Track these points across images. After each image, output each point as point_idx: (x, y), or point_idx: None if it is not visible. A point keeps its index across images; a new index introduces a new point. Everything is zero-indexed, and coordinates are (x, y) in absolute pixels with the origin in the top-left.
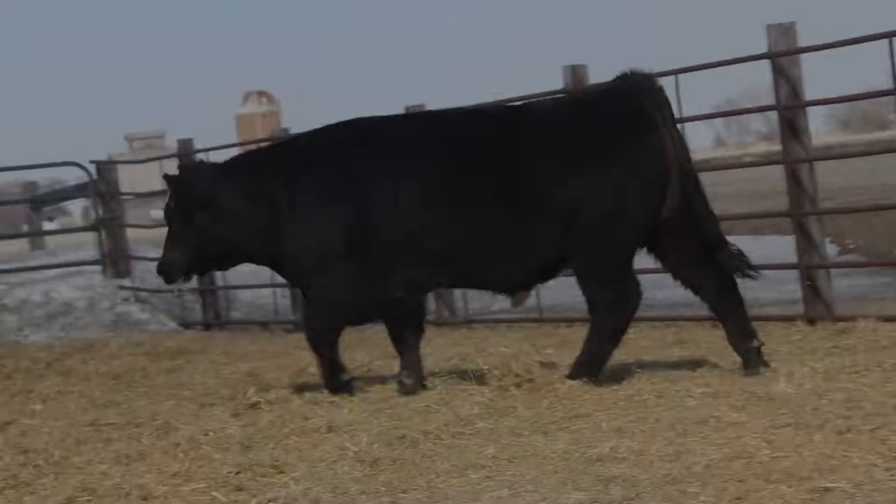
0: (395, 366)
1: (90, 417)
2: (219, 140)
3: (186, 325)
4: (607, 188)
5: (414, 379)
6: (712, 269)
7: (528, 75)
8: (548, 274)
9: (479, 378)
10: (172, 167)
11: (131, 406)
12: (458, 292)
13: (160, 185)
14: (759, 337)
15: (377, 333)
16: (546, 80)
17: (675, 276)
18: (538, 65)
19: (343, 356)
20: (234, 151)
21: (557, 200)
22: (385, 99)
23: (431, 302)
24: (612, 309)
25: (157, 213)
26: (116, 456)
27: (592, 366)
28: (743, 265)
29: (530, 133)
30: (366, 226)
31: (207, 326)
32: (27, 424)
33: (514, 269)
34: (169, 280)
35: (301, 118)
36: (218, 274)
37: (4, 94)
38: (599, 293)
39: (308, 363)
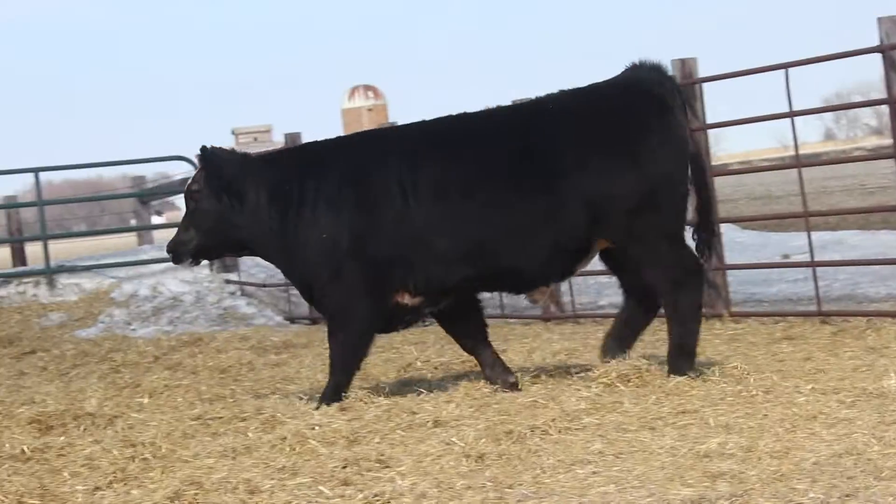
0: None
1: (197, 411)
2: (325, 134)
3: (292, 319)
4: (640, 172)
5: (505, 374)
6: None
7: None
8: (567, 270)
9: (586, 373)
10: None
11: (238, 400)
12: (564, 286)
13: None
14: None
15: None
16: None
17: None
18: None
19: (443, 350)
20: None
21: (583, 192)
22: (488, 94)
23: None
24: (680, 286)
25: None
26: (223, 450)
27: (686, 352)
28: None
29: (551, 125)
30: (377, 226)
31: (313, 321)
32: (135, 418)
33: (538, 264)
34: (177, 261)
35: (408, 112)
36: None
37: (113, 90)
38: (662, 275)
39: (416, 357)
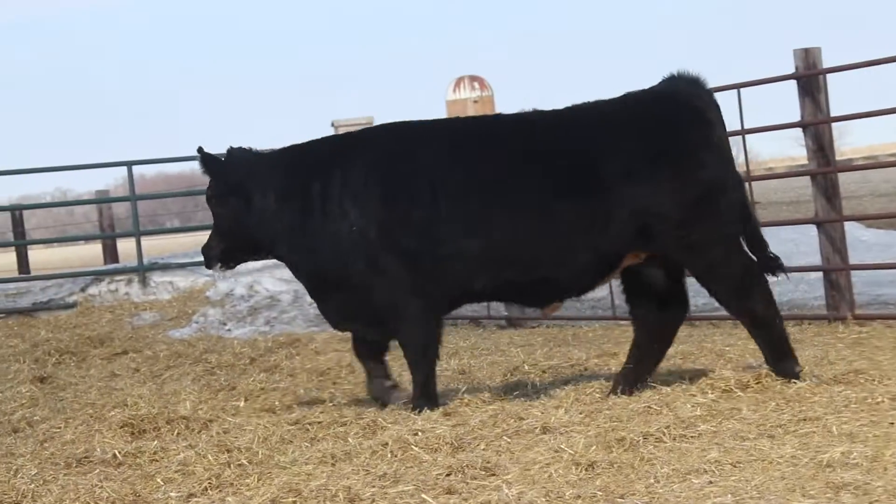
0: (612, 364)
1: (295, 415)
2: None
3: None
4: (688, 180)
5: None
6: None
7: (757, 59)
8: (592, 284)
9: (702, 378)
10: None
11: (337, 404)
12: None
13: None
14: None
15: (593, 331)
16: (776, 63)
17: None
18: (767, 48)
19: (551, 353)
20: None
21: (644, 198)
22: (597, 88)
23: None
24: (745, 289)
25: None
26: (322, 456)
27: (782, 352)
28: (777, 266)
29: (590, 134)
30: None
31: None
32: (230, 422)
33: (567, 276)
34: (207, 265)
35: (514, 105)
36: None
37: (210, 83)
38: (725, 283)
39: (523, 360)
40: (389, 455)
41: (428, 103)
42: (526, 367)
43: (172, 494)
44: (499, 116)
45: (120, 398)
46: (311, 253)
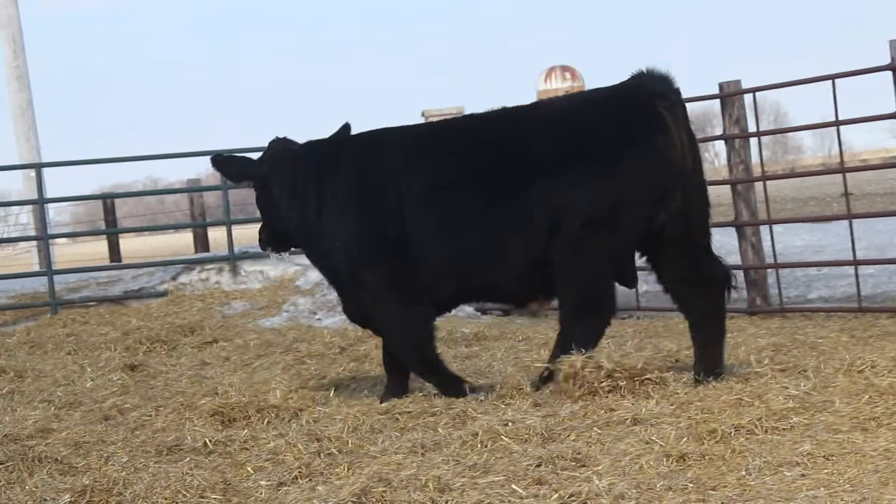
0: None
1: (385, 405)
2: None
3: (484, 310)
4: (608, 187)
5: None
6: (702, 291)
7: (853, 50)
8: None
9: (794, 370)
10: None
11: (427, 394)
12: (771, 278)
13: None
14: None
15: (684, 323)
16: (872, 54)
17: (665, 291)
18: (863, 39)
19: (641, 344)
20: None
21: (556, 201)
22: (692, 81)
23: (743, 290)
24: (582, 316)
25: None
26: (412, 445)
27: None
28: (728, 280)
29: (538, 133)
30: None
31: (507, 312)
32: (320, 411)
33: (513, 276)
34: (261, 247)
35: None
36: None
37: (302, 71)
38: (573, 296)
39: (613, 351)
40: (479, 445)
41: (519, 93)
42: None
43: (262, 483)
44: (463, 118)
45: (210, 387)
46: (318, 251)
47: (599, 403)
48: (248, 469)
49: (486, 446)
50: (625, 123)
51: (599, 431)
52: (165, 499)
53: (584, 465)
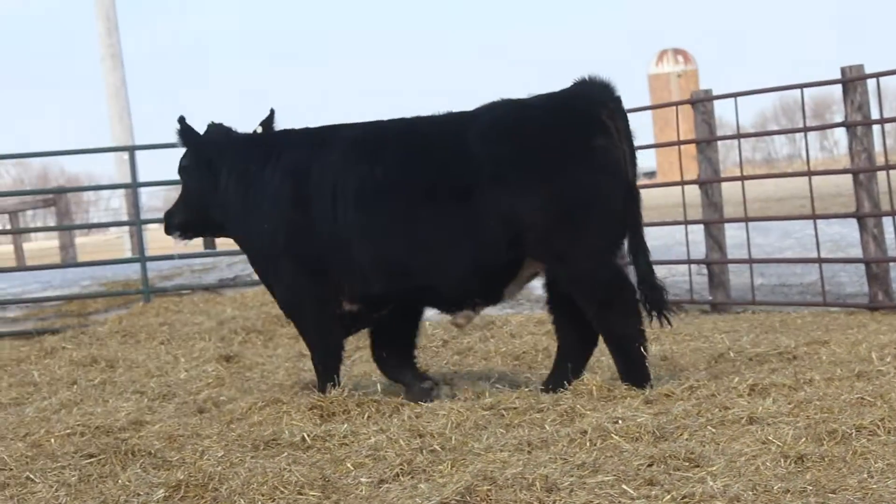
0: (823, 353)
1: (489, 401)
2: (631, 102)
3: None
4: (554, 190)
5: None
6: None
7: None
8: (490, 291)
9: None
10: None
11: (533, 389)
12: (895, 272)
13: None
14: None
15: (802, 318)
16: None
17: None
18: None
19: (757, 339)
20: (646, 114)
21: (513, 205)
22: (815, 66)
23: (864, 285)
24: (607, 304)
25: None
26: (518, 443)
27: (636, 372)
28: (662, 304)
29: (475, 138)
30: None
31: None
32: (423, 406)
33: (451, 283)
34: (166, 231)
35: (719, 81)
36: None
37: (430, 49)
38: (588, 297)
39: (728, 347)
40: (588, 443)
41: (629, 77)
42: (731, 355)
43: (363, 480)
44: (402, 120)
45: (308, 379)
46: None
47: (714, 401)
48: (348, 465)
49: (595, 444)
50: (565, 131)
51: (714, 430)
52: (262, 495)
53: (697, 466)
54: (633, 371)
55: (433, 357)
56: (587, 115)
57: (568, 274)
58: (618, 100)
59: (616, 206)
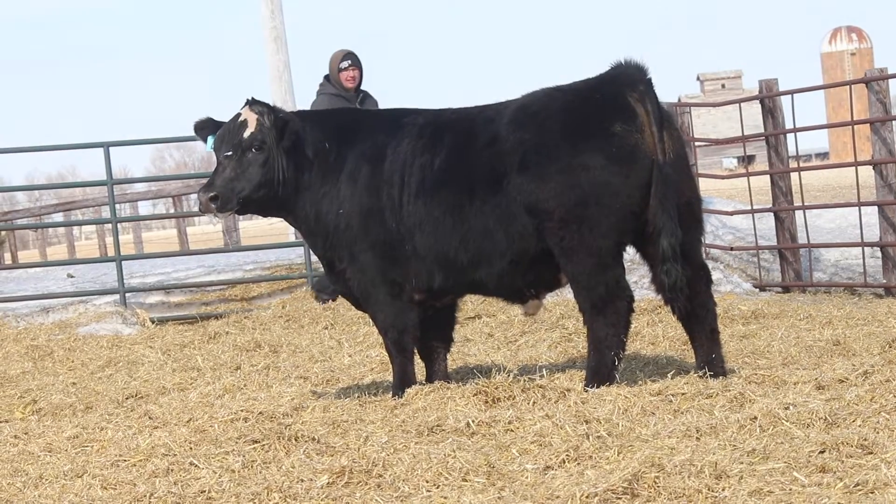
0: None
1: (657, 386)
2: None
3: (762, 286)
4: (571, 181)
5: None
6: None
7: None
8: (541, 276)
9: None
10: (752, 112)
11: (702, 374)
12: None
13: (734, 130)
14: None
15: None
16: None
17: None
18: None
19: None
20: (819, 94)
21: (533, 193)
22: None
23: None
24: (599, 311)
25: (731, 161)
26: (686, 429)
27: (599, 374)
28: (682, 291)
29: (505, 125)
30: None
31: (786, 288)
32: (589, 392)
33: (496, 271)
34: (205, 209)
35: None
36: (799, 230)
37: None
38: (583, 297)
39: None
40: (758, 430)
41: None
42: None
43: (528, 466)
44: (447, 111)
45: (474, 364)
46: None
47: (888, 387)
48: (514, 451)
49: (765, 431)
50: (585, 116)
51: (888, 417)
52: (427, 481)
53: (871, 453)
54: (599, 374)
55: None
56: (613, 99)
57: (570, 271)
58: (649, 82)
59: (627, 201)
